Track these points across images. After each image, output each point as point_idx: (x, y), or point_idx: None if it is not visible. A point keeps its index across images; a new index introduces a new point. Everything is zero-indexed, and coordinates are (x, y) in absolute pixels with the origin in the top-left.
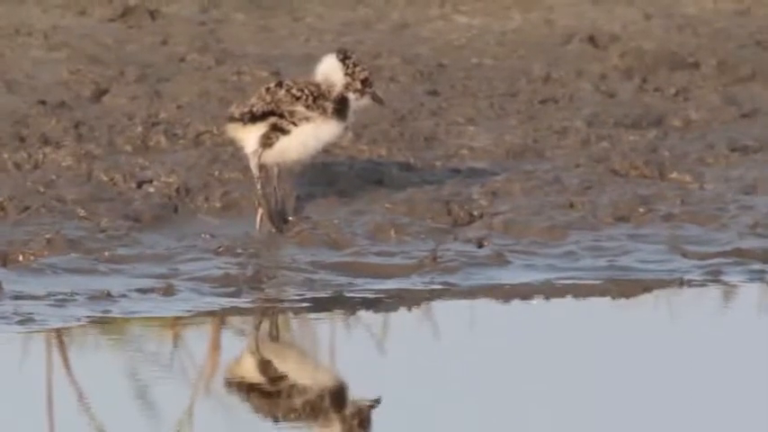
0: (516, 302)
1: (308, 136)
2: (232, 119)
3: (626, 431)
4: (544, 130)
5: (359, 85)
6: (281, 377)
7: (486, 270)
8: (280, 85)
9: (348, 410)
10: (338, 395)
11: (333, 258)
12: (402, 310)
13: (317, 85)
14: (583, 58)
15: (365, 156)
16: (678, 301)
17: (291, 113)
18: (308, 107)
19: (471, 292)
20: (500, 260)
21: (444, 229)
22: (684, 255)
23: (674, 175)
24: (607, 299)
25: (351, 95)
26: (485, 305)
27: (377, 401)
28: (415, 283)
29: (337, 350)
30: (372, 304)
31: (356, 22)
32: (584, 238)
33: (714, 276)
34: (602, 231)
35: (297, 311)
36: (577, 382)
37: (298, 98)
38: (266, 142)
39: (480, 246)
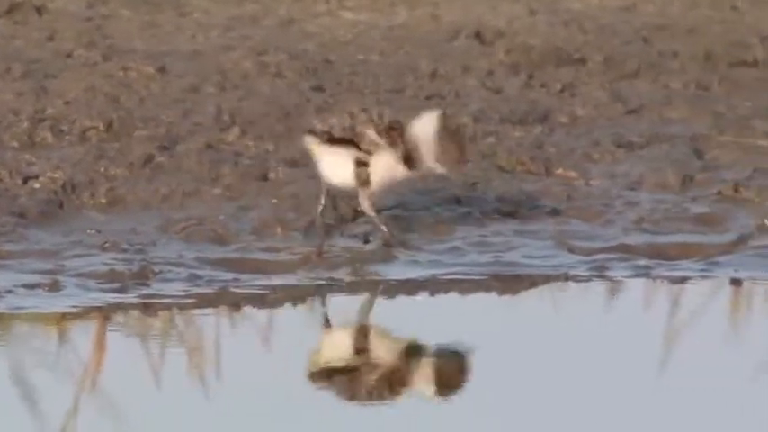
0: (401, 298)
1: (385, 168)
2: (312, 133)
3: (504, 428)
4: None
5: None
6: (168, 373)
7: (371, 265)
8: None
9: None
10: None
11: (219, 254)
12: (287, 306)
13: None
14: (469, 54)
15: (251, 151)
16: (563, 297)
17: (362, 137)
18: (378, 134)
19: (357, 288)
20: (386, 255)
21: (330, 225)
22: (570, 250)
23: (560, 170)
24: (492, 294)
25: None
26: (370, 300)
27: None
28: (300, 278)
29: (222, 346)
30: (258, 300)
31: (243, 17)
32: (470, 233)
33: (599, 272)
34: (487, 227)
35: (182, 307)
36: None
37: (372, 122)
38: (361, 180)
39: (366, 241)
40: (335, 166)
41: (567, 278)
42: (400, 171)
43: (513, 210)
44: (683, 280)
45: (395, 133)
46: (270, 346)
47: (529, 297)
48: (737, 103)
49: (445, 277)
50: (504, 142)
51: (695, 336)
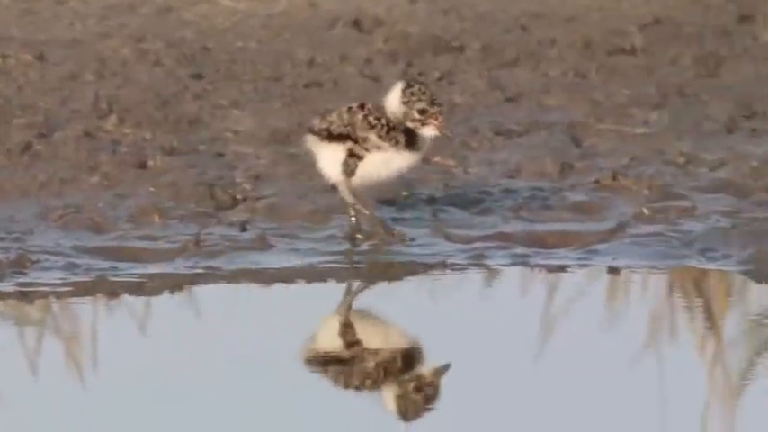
0: (278, 286)
1: (379, 165)
2: (311, 131)
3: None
4: (308, 114)
5: (416, 115)
6: (45, 361)
7: (249, 254)
8: (361, 107)
9: None
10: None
11: (96, 242)
12: (165, 294)
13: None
14: (347, 42)
15: (129, 139)
16: (441, 285)
17: (365, 140)
18: (380, 137)
19: (234, 276)
20: (263, 244)
21: (208, 213)
22: (448, 238)
23: (438, 158)
24: (370, 282)
25: (410, 125)
26: (247, 289)
27: None
28: (177, 267)
29: (99, 334)
30: (135, 288)
31: (120, 5)
32: (347, 222)
33: (477, 260)
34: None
35: (59, 296)
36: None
37: (372, 126)
38: (348, 170)
39: (244, 230)
40: (335, 162)
41: (444, 266)
42: (405, 159)
43: (391, 197)
44: (560, 268)
45: (395, 132)
46: (147, 335)
47: (406, 285)
48: (615, 90)
49: (323, 265)
50: None
51: (572, 324)
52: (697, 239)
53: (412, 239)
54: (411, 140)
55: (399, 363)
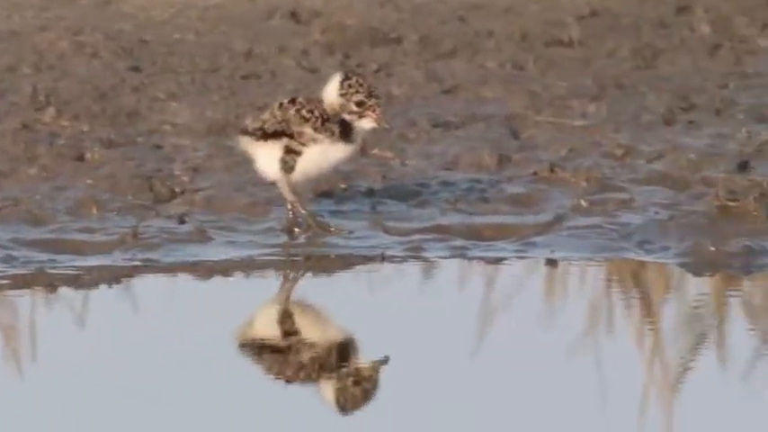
0: (217, 278)
1: (317, 158)
2: (245, 132)
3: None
4: (246, 106)
5: (353, 108)
6: None
7: (187, 246)
8: (292, 102)
9: None
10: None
11: (34, 235)
12: (103, 287)
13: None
14: (285, 33)
15: (67, 131)
16: (379, 277)
17: (300, 134)
18: (315, 129)
19: (172, 269)
20: (201, 236)
21: (146, 206)
22: (386, 231)
23: (376, 150)
24: (308, 275)
25: (347, 117)
26: (185, 281)
27: None
28: (116, 259)
29: (38, 326)
30: (73, 281)
31: None
32: (286, 214)
33: (415, 252)
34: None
35: None
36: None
37: (307, 119)
38: (287, 167)
39: (182, 222)
40: (272, 161)
41: (382, 259)
42: (340, 151)
43: (329, 190)
44: (498, 261)
45: (329, 123)
46: (85, 327)
47: (344, 278)
48: (553, 82)
49: (261, 258)
50: None
51: (511, 316)
52: (635, 232)
53: (350, 232)
54: (346, 132)
55: (336, 355)
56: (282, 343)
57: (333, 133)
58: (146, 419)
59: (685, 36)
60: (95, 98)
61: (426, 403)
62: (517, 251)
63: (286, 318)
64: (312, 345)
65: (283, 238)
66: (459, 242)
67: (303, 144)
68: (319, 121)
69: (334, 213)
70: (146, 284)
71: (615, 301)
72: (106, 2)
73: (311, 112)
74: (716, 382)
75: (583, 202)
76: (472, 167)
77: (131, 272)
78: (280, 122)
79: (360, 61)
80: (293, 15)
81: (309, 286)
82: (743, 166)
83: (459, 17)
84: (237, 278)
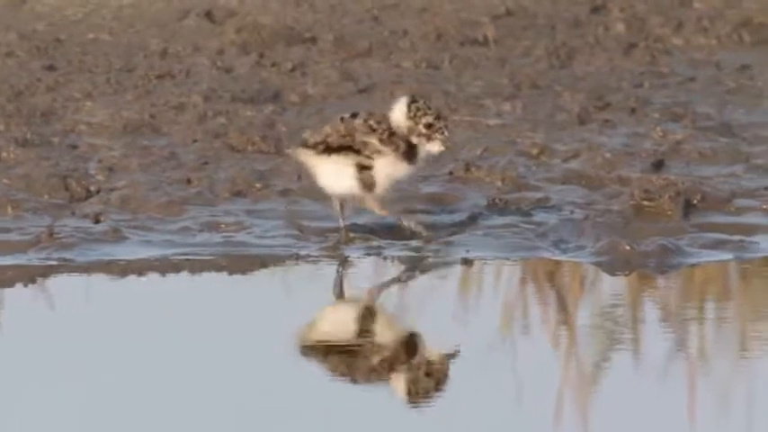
0: (132, 278)
1: (388, 170)
2: (305, 145)
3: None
4: (161, 106)
5: (422, 130)
6: None
7: (102, 246)
8: (354, 116)
9: None
10: None
11: None
12: (18, 286)
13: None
14: (199, 33)
15: None
16: (294, 277)
17: (365, 145)
18: (381, 141)
19: (88, 268)
20: (117, 236)
21: (62, 205)
22: (301, 230)
23: (290, 150)
24: (223, 274)
25: (414, 140)
26: (101, 281)
27: None
28: (31, 259)
29: None
30: None
31: None
32: (201, 213)
33: (330, 252)
34: (218, 207)
35: None
36: (197, 355)
37: (374, 130)
38: (367, 184)
39: (97, 221)
40: (337, 176)
41: (297, 258)
42: (403, 169)
43: (244, 189)
44: (413, 260)
45: (396, 138)
46: None
47: (259, 277)
48: (468, 81)
49: (176, 258)
50: (234, 121)
51: (425, 315)
52: (550, 231)
53: (265, 231)
54: (410, 152)
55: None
56: (194, 340)
57: (398, 148)
58: (58, 419)
59: (600, 35)
60: (10, 97)
61: (337, 403)
62: (433, 250)
63: (198, 316)
64: (219, 341)
65: (200, 237)
66: (375, 241)
67: (370, 158)
68: (386, 133)
69: (249, 212)
70: (61, 284)
71: (530, 300)
72: (21, 1)
73: (379, 123)
74: (631, 380)
75: (498, 202)
76: None
77: (46, 271)
78: (344, 136)
79: (275, 60)
80: (208, 15)
81: (223, 285)
82: (658, 166)
83: (374, 17)
84: (153, 278)
